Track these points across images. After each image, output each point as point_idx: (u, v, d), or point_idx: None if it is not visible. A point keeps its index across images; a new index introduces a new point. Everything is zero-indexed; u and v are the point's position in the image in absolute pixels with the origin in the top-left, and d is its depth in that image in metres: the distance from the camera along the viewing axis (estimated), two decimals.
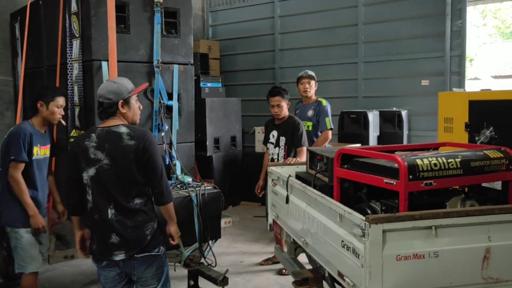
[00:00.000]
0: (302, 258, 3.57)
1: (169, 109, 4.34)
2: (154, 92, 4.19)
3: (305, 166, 3.42)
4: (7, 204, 3.27)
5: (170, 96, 4.35)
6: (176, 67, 4.39)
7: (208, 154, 6.72)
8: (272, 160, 4.49)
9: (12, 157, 3.17)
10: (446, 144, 3.08)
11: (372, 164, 2.50)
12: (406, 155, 2.41)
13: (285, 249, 3.86)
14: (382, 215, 2.15)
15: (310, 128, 4.83)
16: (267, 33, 7.87)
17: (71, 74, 4.12)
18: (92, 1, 3.89)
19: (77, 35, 4.03)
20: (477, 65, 19.76)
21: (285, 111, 4.51)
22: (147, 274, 2.61)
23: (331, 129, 4.82)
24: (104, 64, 3.90)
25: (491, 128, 3.28)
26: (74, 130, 4.12)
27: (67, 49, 4.14)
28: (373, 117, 6.11)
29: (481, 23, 19.61)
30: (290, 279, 3.29)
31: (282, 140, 4.47)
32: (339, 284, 2.51)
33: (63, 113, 3.44)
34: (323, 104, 4.88)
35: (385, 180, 2.34)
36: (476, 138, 3.38)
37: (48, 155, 3.46)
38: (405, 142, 6.13)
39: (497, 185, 2.74)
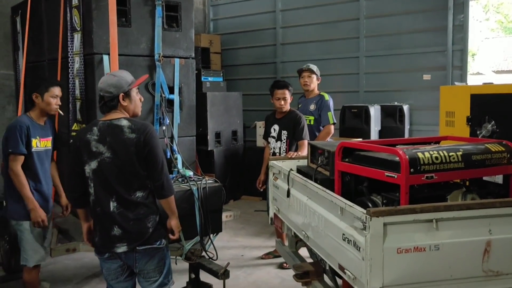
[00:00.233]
0: (303, 252, 3.58)
1: (170, 103, 4.34)
2: (155, 86, 4.19)
3: (306, 160, 3.42)
4: (12, 198, 3.28)
5: (171, 90, 4.35)
6: (177, 61, 4.39)
7: (209, 149, 6.72)
8: (274, 154, 4.49)
9: (10, 150, 3.17)
10: (448, 138, 3.08)
11: (373, 158, 2.50)
12: (407, 148, 2.41)
13: (286, 243, 3.87)
14: (383, 208, 2.15)
15: (312, 123, 4.82)
16: (268, 27, 7.85)
17: (72, 68, 4.12)
18: None
19: (78, 29, 4.02)
20: (479, 60, 19.70)
21: (288, 105, 4.51)
22: (149, 267, 2.62)
23: (333, 123, 4.80)
24: (105, 57, 3.90)
25: (493, 122, 3.28)
26: (75, 124, 4.13)
27: (68, 42, 4.14)
28: (374, 112, 6.10)
29: (483, 18, 19.53)
30: (291, 272, 3.30)
31: (284, 134, 4.47)
32: (340, 277, 2.52)
33: (60, 103, 3.41)
34: (325, 99, 4.86)
35: (386, 174, 2.34)
36: (478, 132, 3.38)
37: (50, 148, 3.46)
38: (406, 136, 6.11)
39: (498, 178, 2.74)
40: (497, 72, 19.05)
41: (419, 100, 6.34)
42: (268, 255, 4.75)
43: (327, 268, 2.81)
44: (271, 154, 4.52)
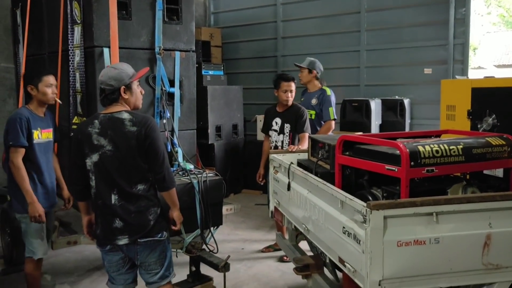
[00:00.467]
0: (303, 245, 3.59)
1: (170, 96, 4.34)
2: (156, 79, 4.18)
3: (306, 153, 3.43)
4: (16, 191, 3.26)
5: (171, 83, 4.34)
6: (178, 54, 4.38)
7: (209, 142, 6.72)
8: (276, 147, 4.48)
9: (10, 143, 3.16)
10: (448, 131, 3.09)
11: (374, 151, 2.50)
12: (408, 142, 2.41)
13: (287, 236, 3.88)
14: (383, 201, 2.16)
15: (313, 117, 4.81)
16: (269, 21, 7.82)
17: (72, 60, 4.11)
18: None
19: (79, 22, 4.01)
20: (481, 54, 19.64)
21: (293, 98, 4.51)
22: (150, 259, 2.63)
23: (334, 119, 4.79)
24: (105, 50, 3.89)
25: (494, 115, 3.28)
26: (76, 117, 4.12)
27: (69, 35, 4.13)
28: (375, 106, 6.10)
29: (485, 12, 19.45)
30: (291, 266, 3.31)
31: (287, 127, 4.46)
32: (340, 270, 2.53)
33: (56, 92, 3.38)
34: (327, 93, 4.84)
35: (387, 167, 2.34)
36: (479, 126, 3.38)
37: (52, 139, 3.45)
38: (407, 130, 6.11)
39: (499, 172, 2.75)
40: (499, 66, 19.00)
41: (420, 94, 6.33)
42: (268, 249, 4.76)
43: (327, 261, 2.82)
44: (273, 147, 4.51)
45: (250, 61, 8.11)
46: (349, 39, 6.95)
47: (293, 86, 4.44)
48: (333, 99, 4.85)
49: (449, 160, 2.35)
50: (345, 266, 2.28)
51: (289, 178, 3.19)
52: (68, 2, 4.10)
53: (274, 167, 3.58)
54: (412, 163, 2.25)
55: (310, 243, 3.23)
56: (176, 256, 3.77)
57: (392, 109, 6.23)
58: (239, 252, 4.73)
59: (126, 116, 2.54)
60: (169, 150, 4.15)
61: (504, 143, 2.52)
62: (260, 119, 7.14)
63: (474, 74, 9.70)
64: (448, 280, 2.14)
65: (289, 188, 3.17)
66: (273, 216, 3.72)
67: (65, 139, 4.05)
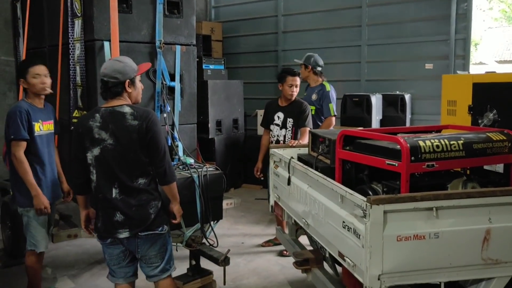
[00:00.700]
0: (303, 239, 3.60)
1: (171, 90, 4.32)
2: (156, 73, 4.17)
3: (307, 148, 3.43)
4: (18, 185, 3.26)
5: (172, 77, 4.33)
6: (178, 47, 4.36)
7: (210, 137, 6.72)
8: (278, 142, 4.48)
9: (12, 136, 3.15)
10: (449, 126, 3.08)
11: (374, 146, 2.50)
12: (408, 136, 2.41)
13: (286, 231, 3.89)
14: (383, 196, 2.17)
15: (313, 113, 4.80)
16: (270, 15, 7.80)
17: (73, 54, 4.10)
18: None
19: (79, 15, 4.00)
20: (482, 49, 19.58)
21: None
22: (150, 252, 2.64)
23: (334, 115, 4.78)
24: (106, 44, 3.88)
25: (495, 111, 3.27)
26: (76, 111, 4.12)
27: (69, 28, 4.12)
28: (376, 101, 6.08)
29: (486, 7, 19.36)
30: (291, 260, 3.32)
31: (290, 121, 4.45)
32: (340, 264, 2.54)
33: (46, 81, 3.30)
34: (326, 89, 4.83)
35: (387, 162, 2.34)
36: (479, 121, 3.37)
37: (53, 131, 3.43)
38: (407, 125, 6.10)
39: (499, 168, 2.75)
40: (500, 62, 18.95)
41: (420, 89, 6.32)
42: (268, 243, 4.77)
43: (327, 255, 2.83)
44: (274, 142, 4.51)
45: (251, 55, 8.09)
46: (350, 33, 6.93)
47: (298, 81, 4.44)
48: (333, 94, 4.84)
49: (450, 155, 2.35)
50: (344, 260, 2.29)
51: (289, 172, 3.19)
52: None
53: (274, 162, 3.59)
54: (412, 158, 2.25)
55: (310, 238, 3.24)
56: (176, 250, 3.78)
57: (393, 104, 6.22)
58: (239, 246, 4.74)
59: (127, 110, 2.54)
60: (170, 144, 4.14)
61: (504, 138, 2.52)
62: (260, 113, 7.12)
63: (475, 69, 9.68)
64: (448, 275, 2.14)
65: (289, 182, 3.17)
66: (273, 211, 3.73)
67: (65, 133, 4.05)
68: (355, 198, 2.16)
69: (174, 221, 2.80)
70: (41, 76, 3.27)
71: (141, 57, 4.04)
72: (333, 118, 4.78)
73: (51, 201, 3.35)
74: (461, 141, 2.40)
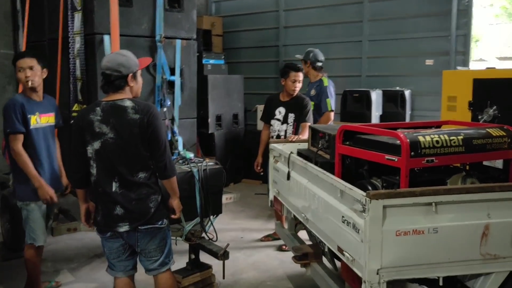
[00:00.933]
0: (303, 234, 3.61)
1: (171, 84, 4.32)
2: (157, 67, 4.17)
3: (307, 143, 3.43)
4: (18, 179, 3.25)
5: (172, 72, 4.32)
6: (178, 42, 4.36)
7: (210, 132, 6.72)
8: (278, 136, 4.47)
9: (8, 130, 3.13)
10: (449, 122, 3.08)
11: (374, 141, 2.51)
12: (408, 132, 2.41)
13: (286, 225, 3.90)
14: (383, 191, 2.17)
15: (312, 108, 4.80)
16: (271, 10, 7.77)
17: (72, 47, 4.10)
18: None
19: (79, 8, 3.99)
20: (483, 46, 19.53)
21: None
22: (150, 246, 2.65)
23: (331, 110, 4.77)
24: (106, 37, 3.88)
25: (495, 107, 3.27)
26: (76, 104, 4.12)
27: (69, 22, 4.11)
28: (376, 97, 6.07)
29: (487, 3, 19.31)
30: (290, 255, 3.33)
31: (291, 117, 4.45)
32: (339, 259, 2.55)
33: (29, 75, 3.18)
34: (324, 84, 4.82)
35: (387, 157, 2.35)
36: (479, 117, 3.37)
37: (53, 124, 3.41)
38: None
39: (499, 163, 2.75)
40: (501, 58, 18.91)
41: (421, 85, 6.30)
42: (267, 237, 4.78)
43: (326, 250, 2.84)
44: (275, 137, 4.50)
45: (251, 50, 8.07)
46: (351, 29, 6.91)
47: (301, 76, 4.43)
48: (331, 89, 4.83)
49: (449, 150, 2.35)
50: (343, 255, 2.30)
51: (289, 167, 3.20)
52: None
53: (274, 157, 3.59)
54: (412, 153, 2.25)
55: (309, 232, 3.25)
56: (176, 244, 3.78)
57: (393, 100, 6.21)
58: (238, 241, 4.75)
59: (128, 103, 2.54)
60: (169, 138, 4.14)
61: (504, 134, 2.52)
62: (260, 109, 7.12)
63: (475, 66, 9.65)
64: (446, 270, 2.15)
65: (288, 177, 3.17)
66: (272, 205, 3.73)
67: (65, 126, 4.05)
68: (355, 193, 2.16)
69: (173, 217, 2.80)
70: (24, 69, 3.20)
71: (141, 51, 4.04)
72: (331, 114, 4.77)
73: None
74: (461, 137, 2.40)
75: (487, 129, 2.54)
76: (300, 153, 3.30)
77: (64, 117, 4.14)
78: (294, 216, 3.26)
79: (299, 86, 4.43)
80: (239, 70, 7.81)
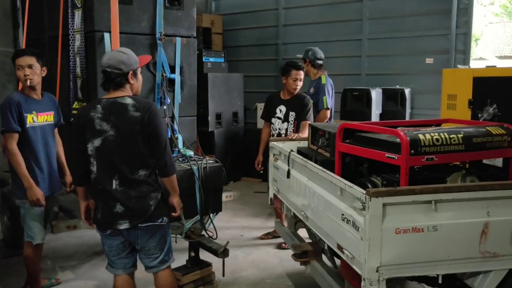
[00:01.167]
0: (302, 232, 3.61)
1: (171, 82, 4.32)
2: (157, 65, 4.16)
3: (307, 141, 3.43)
4: (15, 176, 3.25)
5: (172, 69, 4.32)
6: (178, 39, 4.35)
7: (210, 130, 6.72)
8: (279, 135, 4.47)
9: (3, 128, 3.12)
10: (449, 120, 3.09)
11: (374, 139, 2.51)
12: (408, 130, 2.41)
13: (285, 223, 3.90)
14: (383, 189, 2.17)
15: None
16: (270, 8, 7.76)
17: (73, 45, 4.09)
18: None
19: (79, 6, 3.98)
20: (483, 44, 19.53)
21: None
22: (150, 243, 2.65)
23: (327, 108, 4.77)
24: (106, 35, 3.87)
25: (495, 105, 3.28)
26: (76, 102, 4.11)
27: (69, 20, 4.10)
28: (376, 95, 6.08)
29: (488, 2, 19.30)
30: (289, 253, 3.33)
31: (292, 115, 4.45)
32: (338, 257, 2.55)
33: (28, 73, 3.17)
34: (322, 82, 4.83)
35: (387, 155, 2.35)
36: (479, 115, 3.38)
37: (52, 122, 3.40)
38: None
39: (498, 162, 2.75)
40: (500, 57, 18.91)
41: (421, 84, 6.30)
42: (267, 235, 4.79)
43: (326, 248, 2.84)
44: (275, 135, 4.51)
45: (251, 48, 8.06)
46: (351, 27, 6.90)
47: (302, 74, 4.43)
48: (328, 87, 4.83)
49: (449, 148, 2.35)
50: (343, 252, 2.30)
51: (289, 165, 3.20)
52: None
53: (274, 155, 3.59)
54: (412, 151, 2.26)
55: (308, 230, 3.25)
56: (176, 242, 3.79)
57: (393, 98, 6.22)
58: (238, 239, 4.76)
59: (129, 101, 2.54)
60: (169, 136, 4.14)
61: (504, 132, 2.52)
62: (260, 107, 7.12)
63: (475, 64, 9.66)
64: (446, 268, 2.16)
65: (288, 175, 3.18)
66: (272, 203, 3.74)
67: (65, 125, 4.04)
68: (355, 191, 2.16)
69: (174, 214, 2.80)
70: (23, 68, 3.18)
71: (141, 48, 4.03)
72: (327, 111, 4.77)
73: (49, 193, 3.34)
74: (461, 135, 2.40)
75: (487, 128, 2.54)
76: (300, 151, 3.30)
77: (64, 115, 4.15)
78: (294, 214, 3.27)
79: (300, 84, 4.43)
80: (238, 68, 7.81)
